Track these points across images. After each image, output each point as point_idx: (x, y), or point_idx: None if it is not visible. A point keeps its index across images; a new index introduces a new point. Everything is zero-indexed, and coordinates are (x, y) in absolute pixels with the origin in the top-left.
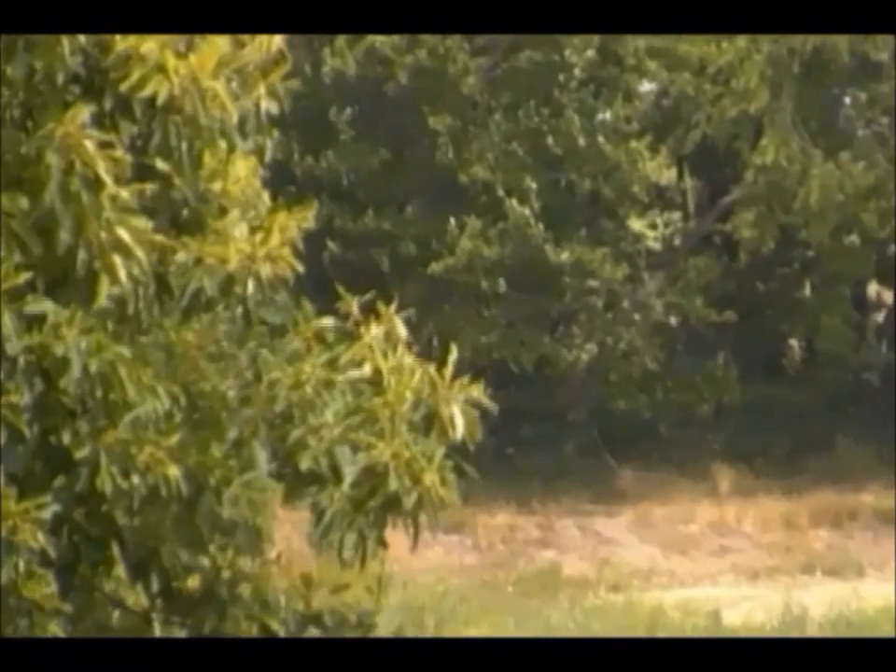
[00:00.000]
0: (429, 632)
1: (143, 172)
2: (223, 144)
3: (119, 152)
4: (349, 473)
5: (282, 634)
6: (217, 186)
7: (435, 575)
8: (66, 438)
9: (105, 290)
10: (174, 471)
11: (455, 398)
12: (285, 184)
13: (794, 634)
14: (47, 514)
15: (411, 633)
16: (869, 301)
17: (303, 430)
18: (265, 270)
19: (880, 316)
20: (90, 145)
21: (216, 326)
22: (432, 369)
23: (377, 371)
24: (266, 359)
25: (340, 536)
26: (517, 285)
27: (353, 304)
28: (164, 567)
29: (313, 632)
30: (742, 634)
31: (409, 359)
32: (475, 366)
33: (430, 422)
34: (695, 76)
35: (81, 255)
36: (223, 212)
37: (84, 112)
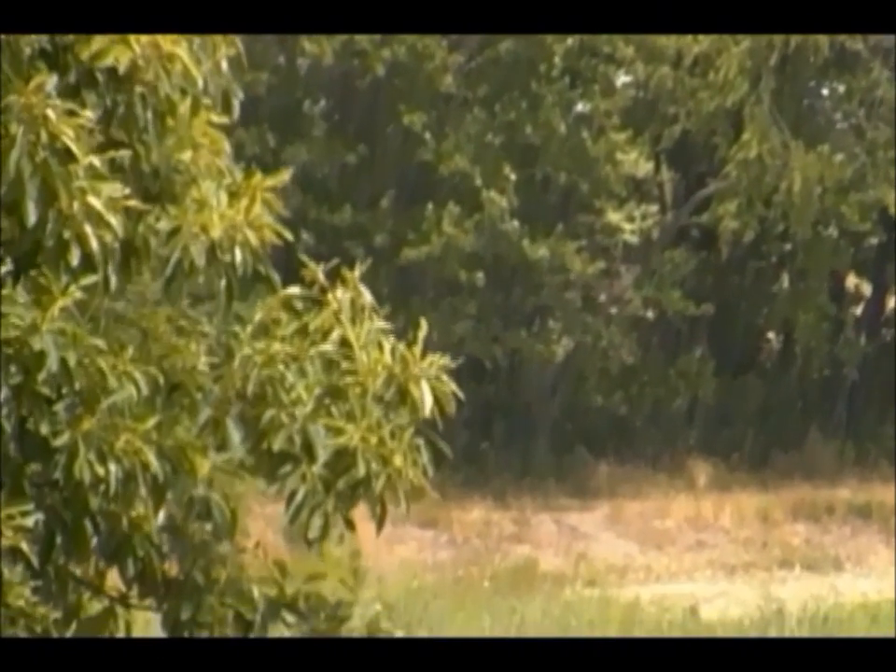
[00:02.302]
0: (404, 627)
1: (112, 145)
2: (188, 103)
3: (83, 119)
4: (322, 454)
5: (256, 620)
6: (186, 155)
7: (410, 571)
8: (43, 426)
9: (75, 260)
10: (151, 458)
11: (426, 374)
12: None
13: (772, 629)
14: (30, 522)
15: (385, 626)
16: (847, 293)
17: (276, 409)
18: (251, 237)
19: (858, 309)
20: (53, 114)
21: (182, 299)
22: (402, 345)
23: (347, 343)
24: (237, 336)
25: (308, 516)
26: (492, 278)
27: (318, 272)
28: (140, 552)
29: (287, 618)
30: (719, 629)
31: (378, 323)
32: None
33: (401, 398)
34: (673, 68)
35: (51, 225)
36: (195, 181)
37: (48, 82)
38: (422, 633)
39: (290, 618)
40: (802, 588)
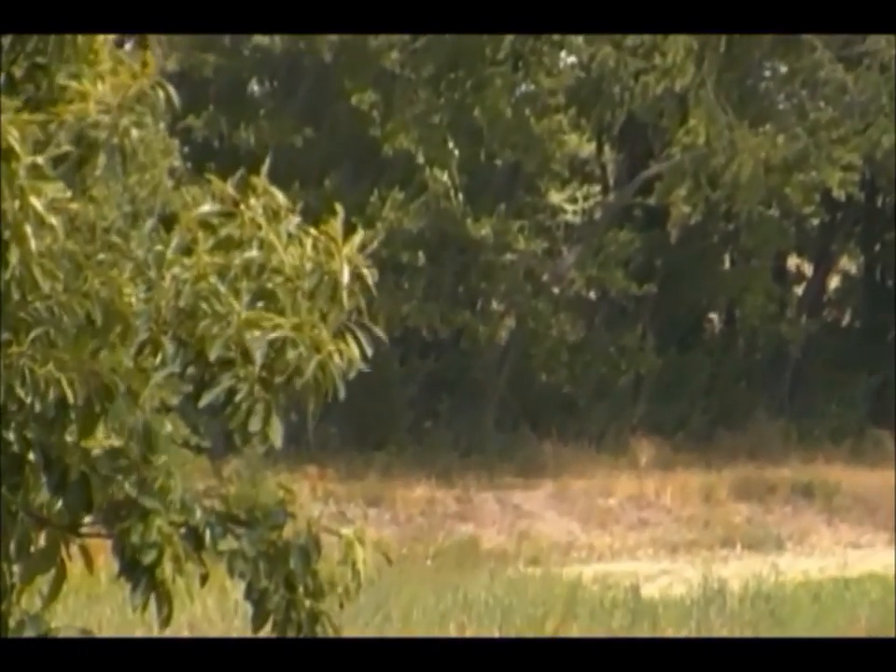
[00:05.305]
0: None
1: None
2: None
3: (28, 118)
4: (260, 355)
5: (206, 534)
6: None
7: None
8: None
9: (14, 260)
10: (76, 384)
11: (351, 259)
12: (206, 159)
13: (714, 607)
14: None
15: (327, 524)
16: (789, 273)
17: (211, 320)
18: (137, 107)
19: (800, 289)
20: None
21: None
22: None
23: (269, 246)
24: (164, 254)
25: (246, 411)
26: (436, 258)
27: (227, 186)
28: (85, 479)
29: (235, 529)
30: (661, 607)
31: (294, 220)
32: (392, 337)
33: (328, 290)
34: (616, 48)
35: None
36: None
37: None
38: (367, 609)
39: (238, 529)
40: (744, 567)
